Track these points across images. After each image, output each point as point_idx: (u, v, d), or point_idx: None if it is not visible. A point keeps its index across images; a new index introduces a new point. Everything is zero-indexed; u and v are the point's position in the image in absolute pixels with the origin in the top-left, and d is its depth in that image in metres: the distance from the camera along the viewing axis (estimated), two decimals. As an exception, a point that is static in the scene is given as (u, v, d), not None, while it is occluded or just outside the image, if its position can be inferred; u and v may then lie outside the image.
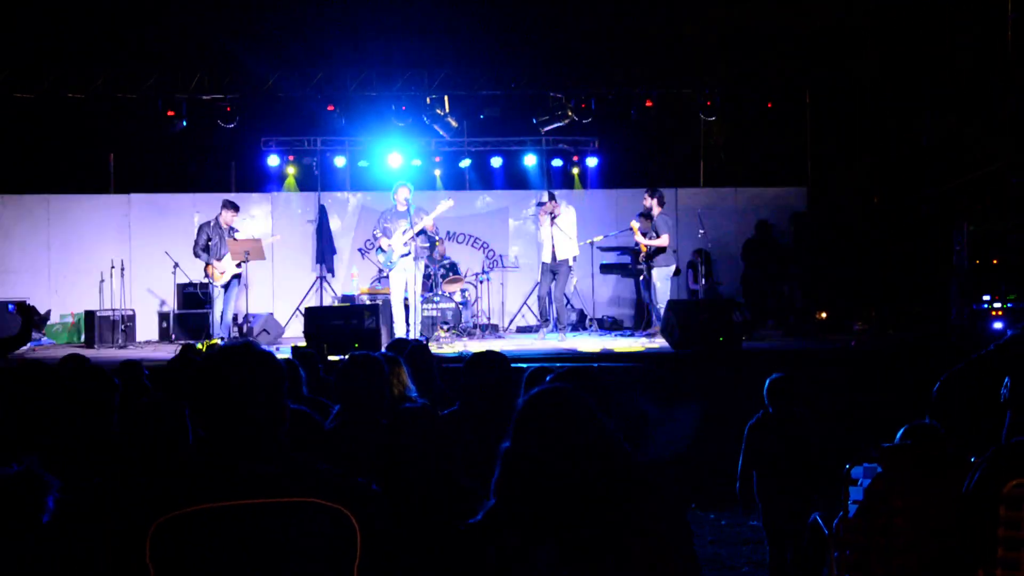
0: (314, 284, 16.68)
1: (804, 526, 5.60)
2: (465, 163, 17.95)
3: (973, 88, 15.04)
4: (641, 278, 15.35)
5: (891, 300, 15.78)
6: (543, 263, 14.34)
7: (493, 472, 3.28)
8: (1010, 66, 13.96)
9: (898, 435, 4.77)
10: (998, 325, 13.14)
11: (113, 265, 15.93)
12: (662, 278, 14.35)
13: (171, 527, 2.56)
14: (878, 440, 4.71)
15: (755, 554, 7.72)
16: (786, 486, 6.69)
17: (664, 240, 14.16)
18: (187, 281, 15.57)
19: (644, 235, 14.46)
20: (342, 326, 12.56)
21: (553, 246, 14.15)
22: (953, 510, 4.16)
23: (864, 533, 4.39)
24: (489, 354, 5.79)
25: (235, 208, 14.26)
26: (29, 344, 14.23)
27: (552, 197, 14.38)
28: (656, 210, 14.39)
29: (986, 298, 13.55)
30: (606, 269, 16.37)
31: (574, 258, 14.51)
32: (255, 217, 17.10)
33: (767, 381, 6.90)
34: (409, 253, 13.31)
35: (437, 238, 14.72)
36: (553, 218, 14.17)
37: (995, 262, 13.96)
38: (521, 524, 3.12)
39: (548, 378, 4.26)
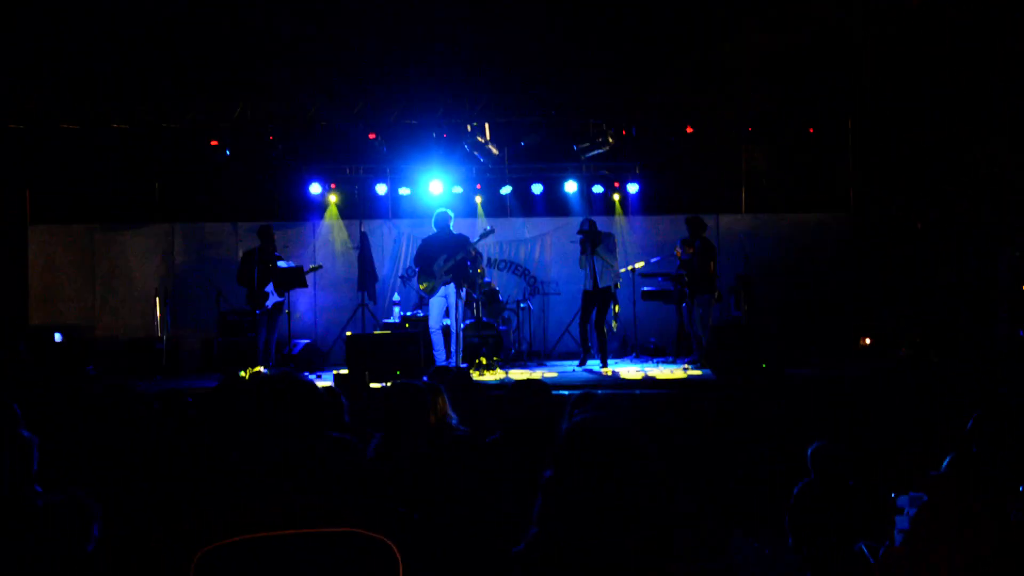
0: (356, 311, 16.74)
1: (849, 556, 5.54)
2: (506, 190, 17.94)
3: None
4: (683, 305, 15.33)
5: (936, 324, 15.62)
6: (584, 291, 14.31)
7: (535, 500, 3.27)
8: None
9: (944, 463, 4.72)
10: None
11: (157, 293, 16.08)
12: (704, 304, 14.38)
13: (213, 557, 2.58)
14: (924, 469, 4.66)
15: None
16: (834, 538, 6.57)
17: (709, 266, 14.27)
18: (230, 309, 15.67)
19: (686, 261, 14.57)
20: (384, 353, 12.59)
21: (595, 274, 14.13)
22: (1001, 540, 4.11)
23: (910, 563, 4.34)
24: (531, 382, 5.78)
25: (273, 234, 14.41)
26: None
27: (593, 225, 14.37)
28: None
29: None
30: (648, 296, 16.31)
31: (616, 285, 14.49)
32: (298, 245, 17.21)
33: (809, 450, 6.77)
34: (451, 281, 13.32)
35: (480, 267, 14.75)
36: (594, 246, 14.16)
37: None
38: (563, 553, 3.11)
39: (576, 413, 4.24)
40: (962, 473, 4.52)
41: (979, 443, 4.80)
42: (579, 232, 14.48)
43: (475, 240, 13.71)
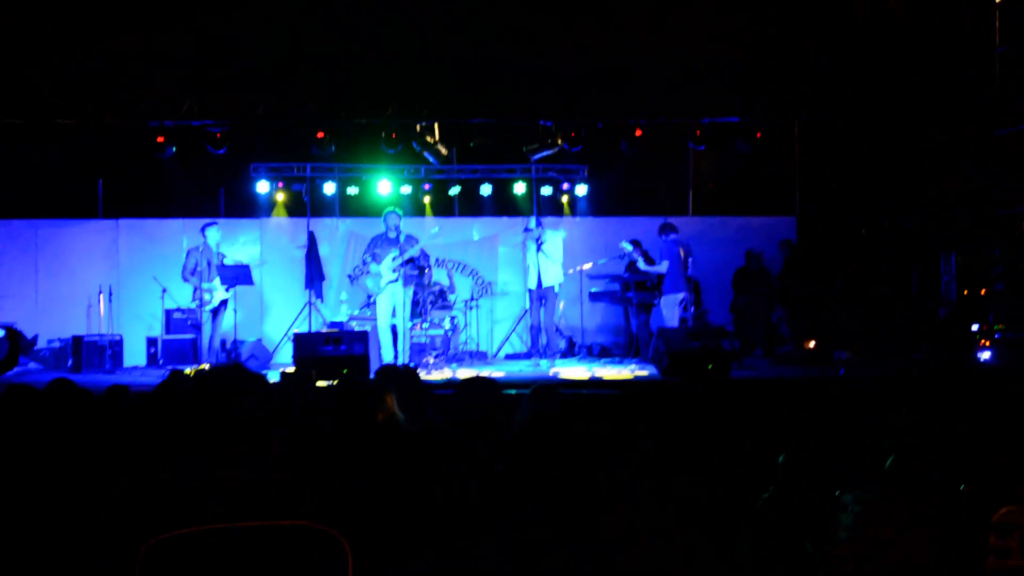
0: (303, 310, 16.62)
1: (798, 555, 5.57)
2: (454, 190, 17.94)
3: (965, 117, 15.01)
4: (630, 306, 15.43)
5: (879, 329, 15.78)
6: (529, 290, 14.43)
7: (483, 492, 3.29)
8: (999, 97, 13.96)
9: (888, 462, 4.77)
10: (986, 355, 13.17)
11: (101, 290, 15.92)
12: (669, 305, 14.49)
13: (162, 549, 2.55)
14: (869, 468, 4.71)
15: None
16: (786, 539, 6.58)
17: (663, 266, 14.39)
18: (175, 307, 15.55)
19: (633, 262, 14.76)
20: (331, 352, 12.56)
21: (539, 272, 14.23)
22: (943, 538, 4.16)
23: (853, 562, 4.38)
24: (479, 380, 5.79)
25: (219, 232, 14.35)
26: (16, 369, 14.18)
27: (539, 223, 14.46)
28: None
29: (974, 328, 13.58)
30: (596, 297, 16.38)
31: (560, 284, 14.60)
32: (244, 243, 17.08)
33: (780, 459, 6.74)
34: (398, 279, 13.34)
35: (425, 266, 14.76)
36: (540, 244, 14.25)
37: (983, 292, 14.00)
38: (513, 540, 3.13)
39: (533, 405, 4.25)
40: (906, 472, 4.58)
41: (914, 442, 4.85)
42: (525, 230, 14.60)
43: (423, 240, 13.72)
